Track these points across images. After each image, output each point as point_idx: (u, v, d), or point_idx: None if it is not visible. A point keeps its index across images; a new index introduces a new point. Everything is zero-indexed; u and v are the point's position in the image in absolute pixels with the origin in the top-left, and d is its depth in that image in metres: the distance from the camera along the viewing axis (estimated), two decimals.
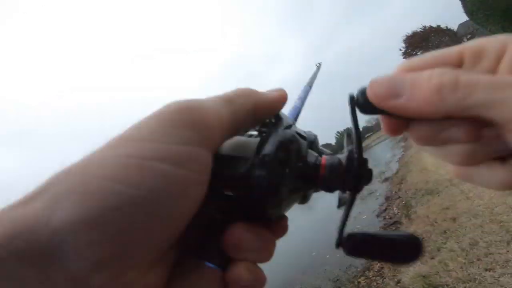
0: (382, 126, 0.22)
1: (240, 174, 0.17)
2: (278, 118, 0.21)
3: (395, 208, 5.85)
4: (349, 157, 0.19)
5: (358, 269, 4.00)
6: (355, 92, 0.20)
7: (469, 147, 0.19)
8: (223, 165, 0.18)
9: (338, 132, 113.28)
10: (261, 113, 0.21)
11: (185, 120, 0.15)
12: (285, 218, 0.23)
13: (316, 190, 0.23)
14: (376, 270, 3.62)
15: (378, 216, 6.26)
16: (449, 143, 0.20)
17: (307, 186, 0.21)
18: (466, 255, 2.61)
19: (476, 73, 0.17)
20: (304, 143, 0.21)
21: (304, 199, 0.24)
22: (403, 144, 19.47)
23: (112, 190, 0.12)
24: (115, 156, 0.13)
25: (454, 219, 3.50)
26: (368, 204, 8.18)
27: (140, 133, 0.14)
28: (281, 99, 0.22)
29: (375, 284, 3.29)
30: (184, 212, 0.15)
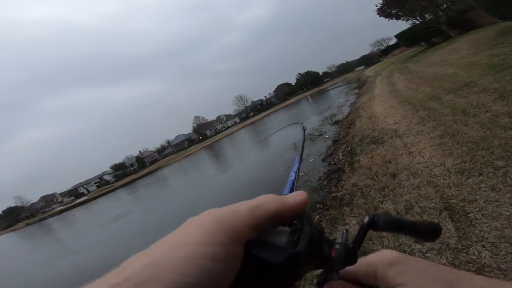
0: None
1: (278, 262, 0.24)
2: (301, 216, 0.27)
3: (340, 154, 5.89)
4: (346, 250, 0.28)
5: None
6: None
7: None
8: (262, 250, 0.24)
9: (299, 74, 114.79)
10: (285, 215, 0.26)
11: (220, 228, 0.23)
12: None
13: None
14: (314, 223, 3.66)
15: (324, 160, 6.35)
16: None
17: (317, 267, 0.28)
18: None
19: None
20: (319, 236, 0.27)
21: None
22: (357, 91, 19.97)
23: (178, 279, 0.20)
24: (177, 257, 0.21)
25: (394, 176, 3.49)
26: (317, 146, 8.30)
27: (192, 239, 0.22)
28: (303, 204, 0.27)
29: None
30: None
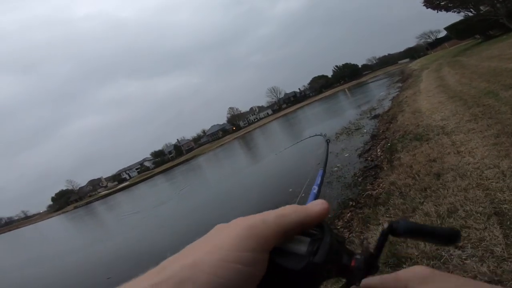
0: None
1: (297, 270, 0.25)
2: (321, 225, 0.28)
3: (378, 150, 5.59)
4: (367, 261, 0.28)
5: (329, 216, 3.94)
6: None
7: None
8: (283, 257, 0.26)
9: (336, 66, 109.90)
10: (308, 224, 0.28)
11: (250, 235, 0.25)
12: None
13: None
14: (345, 220, 3.54)
15: (360, 156, 6.08)
16: None
17: (337, 275, 0.29)
18: (441, 224, 2.41)
19: None
20: (339, 245, 0.28)
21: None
22: (400, 85, 18.72)
23: (213, 280, 0.22)
24: (215, 260, 0.23)
25: (438, 176, 3.25)
26: (353, 140, 7.97)
27: (226, 244, 0.24)
28: (324, 213, 0.29)
29: None
30: None
